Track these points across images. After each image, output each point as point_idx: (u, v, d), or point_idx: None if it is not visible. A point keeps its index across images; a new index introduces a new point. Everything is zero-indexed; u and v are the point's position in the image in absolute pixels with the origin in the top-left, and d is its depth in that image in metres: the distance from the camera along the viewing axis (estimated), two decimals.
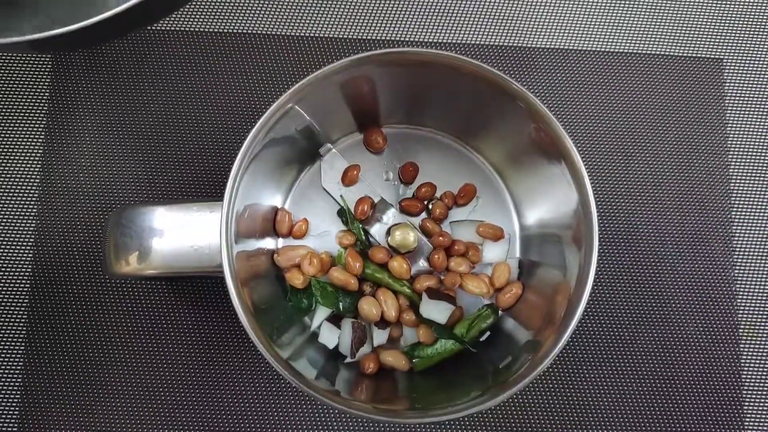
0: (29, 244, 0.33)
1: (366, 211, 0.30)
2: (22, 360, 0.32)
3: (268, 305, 0.29)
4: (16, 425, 0.32)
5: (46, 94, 0.34)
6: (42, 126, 0.34)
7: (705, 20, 0.36)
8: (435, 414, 0.25)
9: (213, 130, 0.34)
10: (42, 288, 0.33)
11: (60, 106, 0.34)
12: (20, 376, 0.32)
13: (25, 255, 0.33)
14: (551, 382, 0.33)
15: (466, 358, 0.30)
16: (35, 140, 0.34)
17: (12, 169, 0.34)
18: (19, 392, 0.32)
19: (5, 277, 0.33)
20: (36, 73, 0.34)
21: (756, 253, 0.34)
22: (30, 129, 0.34)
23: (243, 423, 0.32)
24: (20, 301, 0.33)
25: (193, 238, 0.26)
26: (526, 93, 0.26)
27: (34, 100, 0.34)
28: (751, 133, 0.35)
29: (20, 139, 0.34)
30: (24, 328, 0.32)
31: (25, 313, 0.33)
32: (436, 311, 0.29)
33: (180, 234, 0.26)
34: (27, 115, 0.34)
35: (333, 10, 0.35)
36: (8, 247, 0.33)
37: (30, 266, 0.33)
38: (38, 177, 0.34)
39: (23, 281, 0.33)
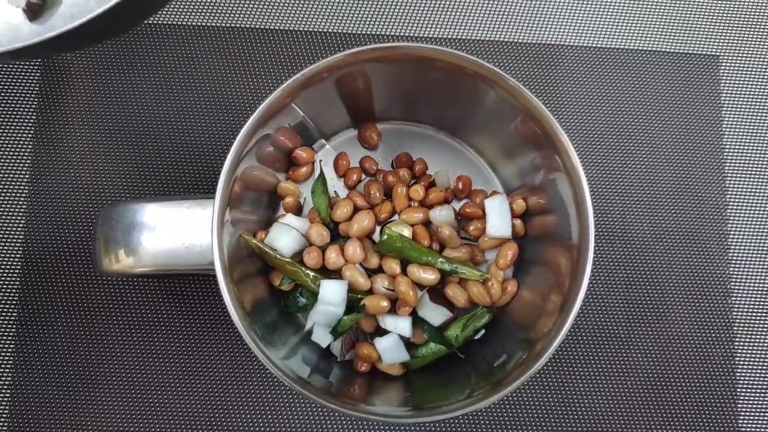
0: (19, 241, 0.33)
1: (355, 180, 0.31)
2: (12, 358, 0.32)
3: (261, 303, 0.28)
4: (6, 423, 0.31)
5: (36, 88, 0.34)
6: (31, 121, 0.33)
7: (701, 17, 0.36)
8: (430, 413, 0.25)
9: (206, 126, 0.34)
10: (32, 286, 0.32)
11: (50, 101, 0.34)
12: (10, 374, 0.32)
13: (14, 252, 0.33)
14: (546, 379, 0.32)
15: (461, 357, 0.30)
16: (25, 136, 0.33)
17: (1, 165, 0.33)
18: (9, 390, 0.32)
19: None
20: (25, 68, 0.34)
21: (751, 250, 0.34)
22: (19, 124, 0.33)
23: (237, 421, 0.32)
24: (10, 298, 0.32)
25: (185, 235, 0.25)
26: (521, 88, 0.26)
27: (23, 96, 0.34)
28: (746, 129, 0.35)
29: (9, 135, 0.33)
30: (14, 326, 0.32)
31: (15, 310, 0.32)
32: (433, 314, 0.29)
33: (171, 231, 0.25)
34: (16, 110, 0.34)
35: (328, 5, 0.35)
36: None
37: (19, 264, 0.32)
38: (28, 173, 0.33)
39: (13, 279, 0.32)
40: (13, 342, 0.32)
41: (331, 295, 0.27)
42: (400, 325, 0.28)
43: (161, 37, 0.34)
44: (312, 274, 0.28)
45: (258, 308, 0.28)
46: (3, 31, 0.23)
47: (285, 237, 0.28)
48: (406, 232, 0.29)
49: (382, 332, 0.29)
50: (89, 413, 0.32)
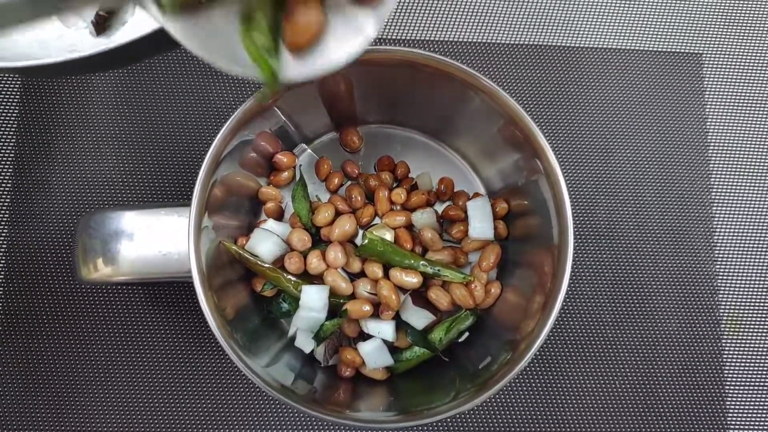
0: (1, 250, 0.32)
1: (337, 184, 0.30)
2: None
3: (243, 310, 0.28)
4: None
5: (17, 98, 0.33)
6: (13, 130, 0.33)
7: (683, 15, 0.35)
8: (415, 417, 0.25)
9: (187, 133, 0.33)
10: (15, 294, 0.32)
11: (30, 111, 0.33)
12: None
13: None
14: (533, 381, 0.32)
15: (445, 360, 0.29)
16: (6, 144, 0.33)
17: None
18: None
19: None
20: (5, 79, 0.34)
21: (737, 247, 0.34)
22: (1, 133, 0.33)
23: (222, 429, 0.31)
24: None
25: (162, 243, 0.25)
26: (499, 91, 0.25)
27: (4, 106, 0.33)
28: (730, 127, 0.35)
29: None
30: None
31: None
32: (416, 317, 0.28)
33: (148, 239, 0.25)
34: None
35: None
36: None
37: (2, 273, 0.32)
38: (10, 183, 0.33)
39: None
40: None
41: (313, 300, 0.27)
42: (383, 329, 0.28)
43: None
44: (294, 279, 0.28)
45: (240, 315, 0.27)
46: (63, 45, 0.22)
47: (266, 243, 0.27)
48: (388, 236, 0.28)
49: (365, 337, 0.29)
50: (72, 421, 0.31)
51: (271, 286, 0.28)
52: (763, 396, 0.33)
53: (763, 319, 0.33)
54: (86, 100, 0.33)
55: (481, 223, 0.29)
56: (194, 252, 0.24)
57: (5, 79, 0.34)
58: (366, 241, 0.27)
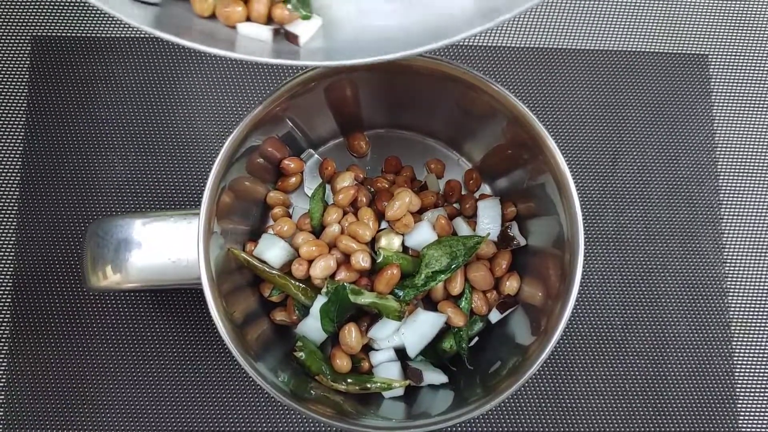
0: (10, 257, 0.32)
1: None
2: (4, 375, 0.32)
3: (253, 314, 0.28)
4: None
5: (24, 105, 0.34)
6: (20, 137, 0.33)
7: (690, 17, 0.35)
8: (424, 424, 0.25)
9: (196, 137, 0.33)
10: (24, 302, 0.32)
11: (38, 117, 0.34)
12: (3, 391, 0.31)
13: (6, 269, 0.32)
14: (543, 385, 0.32)
15: (453, 369, 0.29)
16: (14, 152, 0.33)
17: None
18: (2, 408, 0.31)
19: None
20: (13, 86, 0.34)
21: (746, 250, 0.34)
22: (8, 141, 0.33)
23: None
24: (2, 315, 0.32)
25: (171, 250, 0.25)
26: (506, 93, 0.25)
27: (11, 113, 0.34)
28: (737, 128, 0.35)
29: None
30: (6, 343, 0.32)
31: (8, 327, 0.32)
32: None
33: (157, 246, 0.25)
34: (5, 126, 0.33)
35: None
36: None
37: (11, 280, 0.32)
38: (17, 189, 0.33)
39: (5, 295, 0.32)
40: (5, 358, 0.32)
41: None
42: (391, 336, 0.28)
43: (147, 50, 0.34)
44: (302, 285, 0.28)
45: (249, 319, 0.27)
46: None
47: (274, 248, 0.27)
48: (396, 241, 0.28)
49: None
50: (81, 427, 0.31)
51: (278, 292, 0.28)
52: None
53: None
54: (93, 108, 0.34)
55: (489, 223, 0.29)
56: (204, 258, 0.24)
57: (11, 87, 0.34)
58: (381, 258, 0.27)
